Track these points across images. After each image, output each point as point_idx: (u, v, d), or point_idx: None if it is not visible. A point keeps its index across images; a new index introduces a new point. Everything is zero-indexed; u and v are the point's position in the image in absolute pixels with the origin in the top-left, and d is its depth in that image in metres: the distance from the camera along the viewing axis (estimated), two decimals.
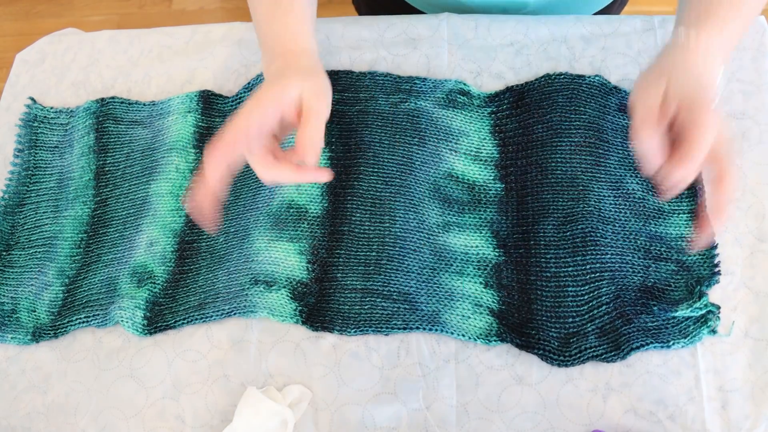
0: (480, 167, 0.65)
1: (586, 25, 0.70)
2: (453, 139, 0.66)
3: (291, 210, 0.64)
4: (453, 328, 0.58)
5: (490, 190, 0.64)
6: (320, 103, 0.53)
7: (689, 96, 0.51)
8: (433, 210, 0.64)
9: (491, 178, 0.64)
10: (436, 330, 0.58)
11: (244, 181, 0.68)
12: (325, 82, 0.56)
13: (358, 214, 0.64)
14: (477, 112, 0.67)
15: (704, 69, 0.53)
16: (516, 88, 0.67)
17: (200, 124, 0.71)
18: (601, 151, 0.63)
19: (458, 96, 0.68)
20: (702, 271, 0.59)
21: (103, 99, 0.74)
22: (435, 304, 0.60)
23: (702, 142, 0.49)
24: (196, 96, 0.72)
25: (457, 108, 0.68)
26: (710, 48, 0.53)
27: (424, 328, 0.58)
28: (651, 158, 0.51)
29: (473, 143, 0.66)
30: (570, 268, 0.59)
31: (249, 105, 0.52)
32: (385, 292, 0.60)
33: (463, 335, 0.58)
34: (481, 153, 0.66)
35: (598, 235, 0.60)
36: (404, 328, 0.59)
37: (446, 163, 0.65)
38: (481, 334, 0.58)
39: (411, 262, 0.61)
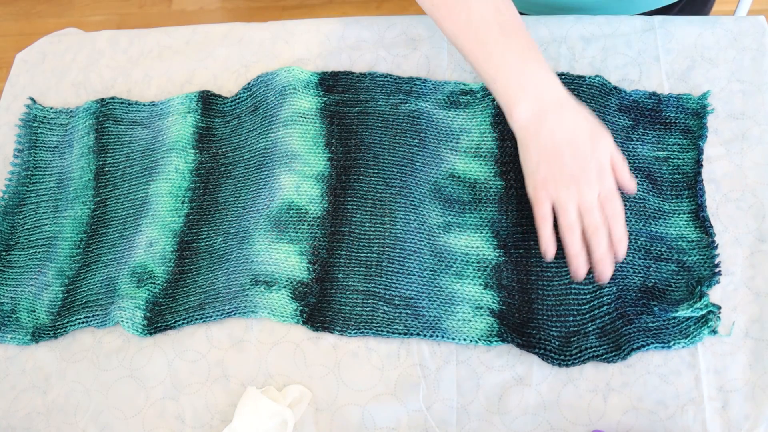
0: (480, 164, 0.65)
1: (586, 25, 0.70)
2: (453, 138, 0.66)
3: (291, 211, 0.64)
4: (454, 333, 0.58)
5: (491, 187, 0.64)
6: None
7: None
8: (433, 210, 0.64)
9: (491, 174, 0.64)
10: (437, 337, 0.58)
11: (244, 182, 0.68)
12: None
13: (358, 215, 0.64)
14: (480, 103, 0.67)
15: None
16: None
17: (200, 124, 0.71)
18: None
19: (460, 96, 0.68)
20: (702, 272, 0.59)
21: (102, 99, 0.74)
22: (436, 309, 0.60)
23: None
24: (195, 96, 0.72)
25: (459, 108, 0.68)
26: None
27: (425, 335, 0.58)
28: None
29: (473, 140, 0.66)
30: None
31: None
32: (386, 296, 0.60)
33: (464, 339, 0.58)
34: (481, 149, 0.66)
35: None
36: (405, 333, 0.59)
37: (447, 164, 0.65)
38: (482, 336, 0.58)
39: (412, 264, 0.61)
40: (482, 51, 0.57)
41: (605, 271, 0.55)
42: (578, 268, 0.56)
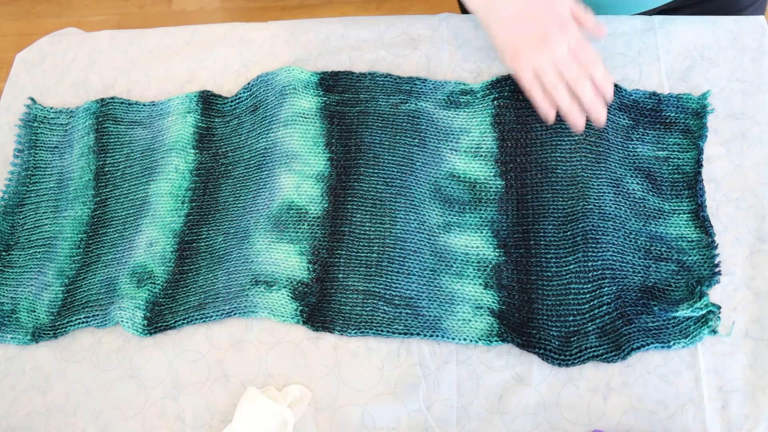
0: (480, 164, 0.65)
1: None
2: (453, 138, 0.66)
3: (291, 211, 0.64)
4: (454, 333, 0.58)
5: (491, 187, 0.64)
6: None
7: None
8: (433, 210, 0.64)
9: (491, 174, 0.64)
10: (437, 337, 0.58)
11: (244, 182, 0.68)
12: None
13: (358, 215, 0.64)
14: (480, 103, 0.67)
15: None
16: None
17: (200, 124, 0.71)
18: (601, 150, 0.63)
19: (460, 96, 0.68)
20: (702, 271, 0.59)
21: (102, 99, 0.74)
22: (436, 309, 0.60)
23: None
24: (195, 96, 0.72)
25: (459, 108, 0.68)
26: None
27: (425, 335, 0.58)
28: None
29: (474, 139, 0.66)
30: (572, 266, 0.59)
31: None
32: (387, 296, 0.60)
33: (464, 339, 0.58)
34: (481, 148, 0.66)
35: (599, 233, 0.60)
36: (405, 333, 0.59)
37: (447, 163, 0.65)
38: (482, 336, 0.58)
39: (412, 263, 0.61)
40: None
41: (600, 115, 0.59)
42: (575, 119, 0.60)
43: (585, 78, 0.59)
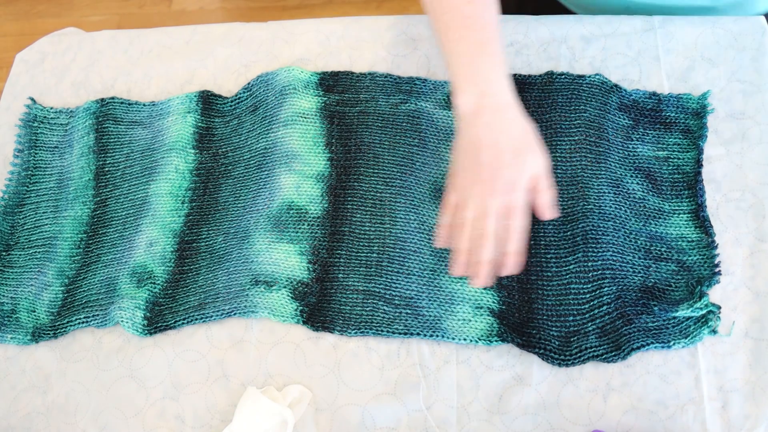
0: None
1: (586, 25, 0.70)
2: (453, 138, 0.66)
3: (291, 211, 0.64)
4: (454, 333, 0.58)
5: None
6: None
7: None
8: (433, 210, 0.64)
9: None
10: (437, 337, 0.58)
11: (244, 182, 0.68)
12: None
13: (358, 215, 0.64)
14: None
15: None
16: (518, 77, 0.67)
17: (200, 124, 0.71)
18: (601, 150, 0.63)
19: None
20: (702, 271, 0.59)
21: (102, 99, 0.74)
22: (436, 309, 0.60)
23: None
24: (195, 96, 0.72)
25: None
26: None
27: (425, 335, 0.58)
28: None
29: None
30: (572, 266, 0.59)
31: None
32: (387, 296, 0.60)
33: (464, 339, 0.58)
34: None
35: (599, 232, 0.60)
36: (405, 333, 0.59)
37: (447, 163, 0.65)
38: (482, 336, 0.58)
39: (412, 263, 0.61)
40: (445, 36, 0.59)
41: (477, 279, 0.56)
42: (456, 264, 0.57)
43: (491, 240, 0.55)
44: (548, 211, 0.57)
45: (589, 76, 0.66)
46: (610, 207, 0.61)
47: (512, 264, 0.55)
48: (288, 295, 0.61)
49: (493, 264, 0.55)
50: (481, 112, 0.56)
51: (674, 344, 0.56)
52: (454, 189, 0.58)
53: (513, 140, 0.56)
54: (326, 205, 0.65)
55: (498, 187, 0.54)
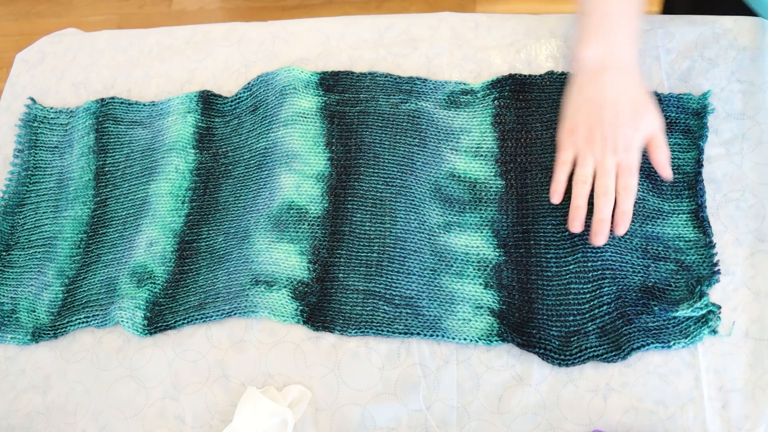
0: (480, 163, 0.65)
1: None
2: (454, 138, 0.66)
3: (291, 211, 0.64)
4: (454, 333, 0.58)
5: (491, 187, 0.64)
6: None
7: None
8: (433, 210, 0.64)
9: (492, 174, 0.64)
10: (437, 337, 0.58)
11: (244, 182, 0.68)
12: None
13: (358, 215, 0.64)
14: (480, 102, 0.67)
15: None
16: (519, 77, 0.67)
17: (200, 124, 0.71)
18: None
19: (460, 96, 0.68)
20: (702, 271, 0.59)
21: (102, 99, 0.74)
22: (437, 308, 0.60)
23: None
24: (195, 96, 0.72)
25: (459, 107, 0.68)
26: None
27: (426, 335, 0.58)
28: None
29: (474, 139, 0.66)
30: (572, 266, 0.59)
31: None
32: (387, 296, 0.60)
33: (465, 339, 0.58)
34: (482, 148, 0.66)
35: None
36: (405, 333, 0.59)
37: (447, 163, 0.65)
38: (482, 336, 0.58)
39: (412, 263, 0.61)
40: None
41: (599, 237, 0.56)
42: (575, 220, 0.57)
43: (612, 197, 0.56)
44: (665, 167, 0.58)
45: None
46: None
47: (624, 223, 0.56)
48: (288, 295, 0.61)
49: (609, 221, 0.56)
50: (605, 70, 0.57)
51: (674, 344, 0.56)
52: (569, 144, 0.58)
53: (632, 100, 0.57)
54: (326, 205, 0.65)
55: (618, 145, 0.56)
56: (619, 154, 0.56)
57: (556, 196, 0.59)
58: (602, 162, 0.56)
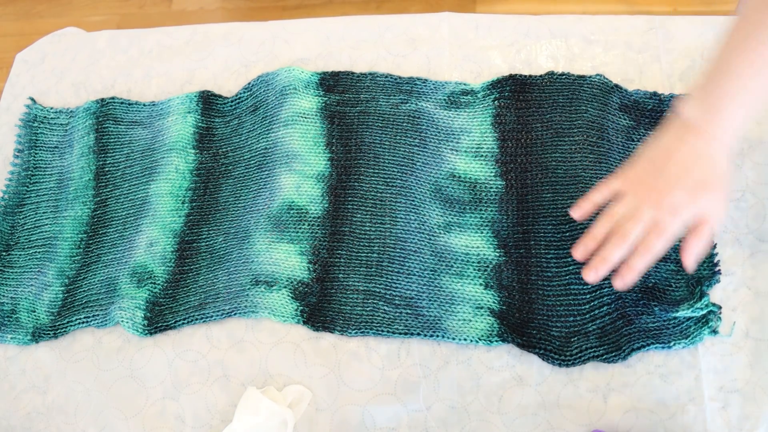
0: (481, 164, 0.65)
1: (586, 24, 0.70)
2: (454, 138, 0.66)
3: (291, 211, 0.64)
4: (454, 333, 0.58)
5: (492, 187, 0.64)
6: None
7: None
8: (434, 210, 0.64)
9: (492, 174, 0.64)
10: (437, 337, 0.58)
11: (244, 182, 0.68)
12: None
13: (358, 215, 0.64)
14: (481, 103, 0.67)
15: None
16: (519, 77, 0.67)
17: (200, 124, 0.71)
18: (602, 150, 0.63)
19: (460, 96, 0.68)
20: (702, 271, 0.59)
21: (103, 99, 0.74)
22: (437, 309, 0.60)
23: None
24: (195, 96, 0.72)
25: (459, 108, 0.68)
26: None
27: (426, 335, 0.58)
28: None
29: (474, 139, 0.66)
30: (572, 266, 0.59)
31: None
32: (387, 296, 0.60)
33: (465, 339, 0.58)
34: (482, 148, 0.66)
35: None
36: (405, 333, 0.59)
37: (448, 164, 0.65)
38: (482, 336, 0.58)
39: (412, 263, 0.61)
40: (728, 40, 0.54)
41: (591, 273, 0.53)
42: (582, 247, 0.55)
43: (629, 246, 0.52)
44: (691, 258, 0.53)
45: (590, 77, 0.66)
46: None
47: (627, 278, 0.52)
48: (288, 295, 0.61)
49: (613, 266, 0.53)
50: (694, 133, 0.53)
51: (675, 344, 0.56)
52: (621, 178, 0.55)
53: (707, 174, 0.53)
54: (326, 205, 0.65)
55: (664, 203, 0.52)
56: (662, 213, 0.52)
57: (578, 212, 0.56)
58: (639, 209, 0.52)
